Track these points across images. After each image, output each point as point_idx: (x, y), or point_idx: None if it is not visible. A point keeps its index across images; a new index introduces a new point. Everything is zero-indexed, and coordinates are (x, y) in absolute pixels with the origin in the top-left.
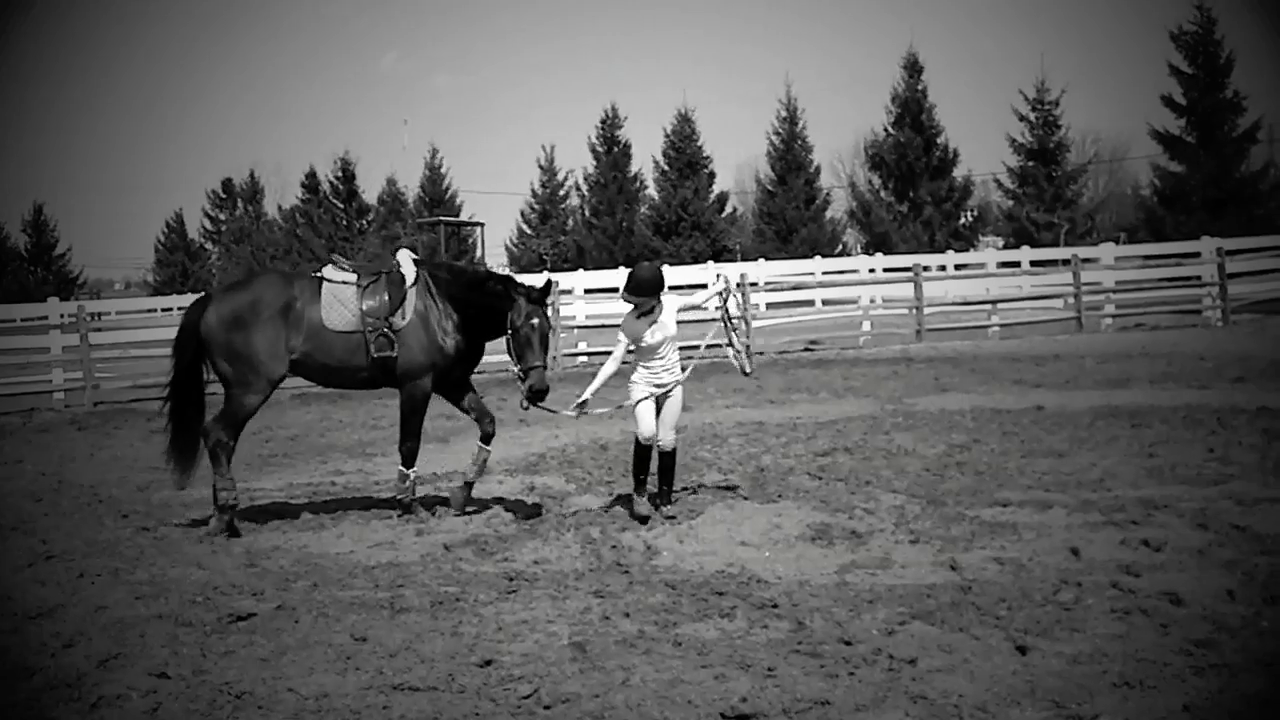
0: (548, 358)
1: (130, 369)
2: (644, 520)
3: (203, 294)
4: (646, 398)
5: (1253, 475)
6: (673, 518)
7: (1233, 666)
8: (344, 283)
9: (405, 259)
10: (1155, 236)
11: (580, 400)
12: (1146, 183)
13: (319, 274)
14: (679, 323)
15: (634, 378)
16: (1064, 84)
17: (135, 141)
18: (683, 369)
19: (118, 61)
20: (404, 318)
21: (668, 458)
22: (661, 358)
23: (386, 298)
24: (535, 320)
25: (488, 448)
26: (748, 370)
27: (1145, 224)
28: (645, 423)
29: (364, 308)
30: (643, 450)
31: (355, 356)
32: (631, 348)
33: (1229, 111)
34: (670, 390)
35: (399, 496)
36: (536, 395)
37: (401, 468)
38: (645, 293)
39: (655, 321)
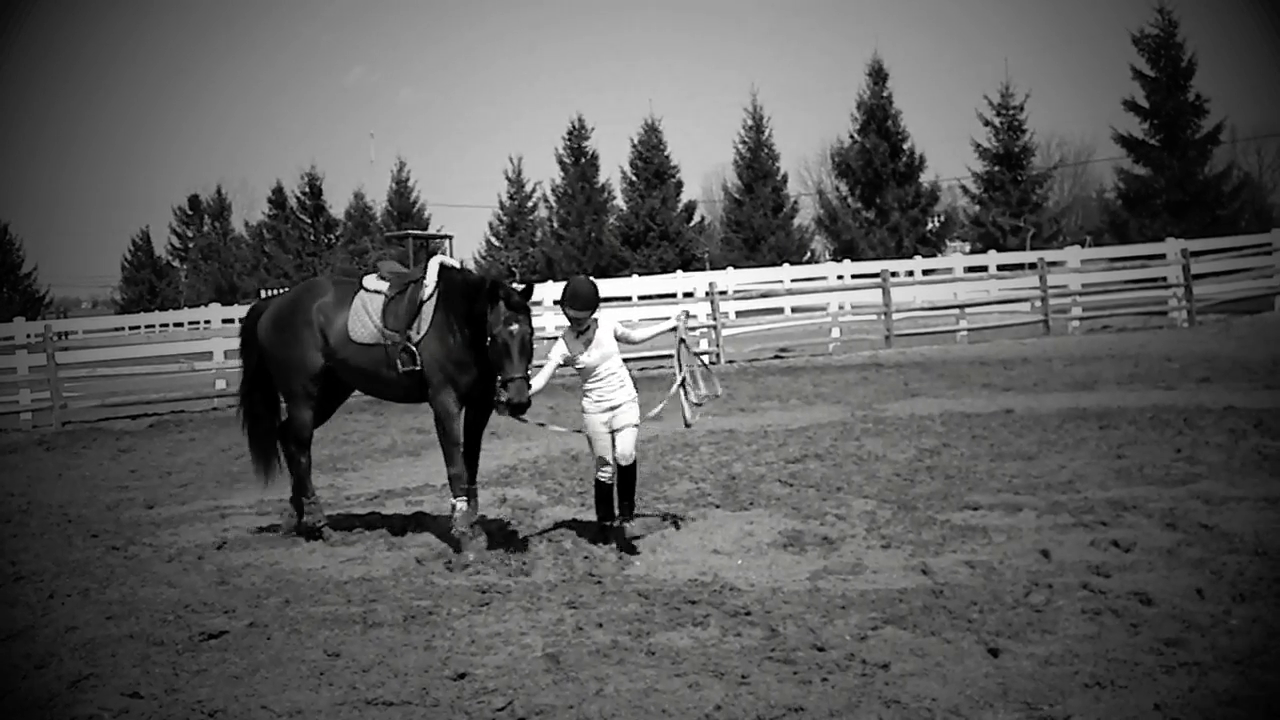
0: (528, 367)
1: (98, 388)
2: (631, 548)
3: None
4: (605, 431)
5: (1220, 474)
6: (637, 538)
7: (1203, 665)
8: (376, 293)
9: (431, 268)
10: (1120, 239)
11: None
12: (1111, 186)
13: (361, 282)
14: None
15: (585, 405)
16: (1028, 89)
17: (101, 159)
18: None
19: (81, 79)
20: (419, 331)
21: (627, 471)
22: (604, 377)
23: (405, 310)
24: (514, 327)
25: (473, 485)
26: (689, 420)
27: (1110, 227)
28: (606, 470)
29: (385, 320)
30: (604, 490)
31: (382, 369)
32: (571, 370)
33: (1191, 114)
34: (624, 406)
35: (452, 532)
36: (515, 409)
37: (451, 499)
38: (581, 306)
39: (592, 340)
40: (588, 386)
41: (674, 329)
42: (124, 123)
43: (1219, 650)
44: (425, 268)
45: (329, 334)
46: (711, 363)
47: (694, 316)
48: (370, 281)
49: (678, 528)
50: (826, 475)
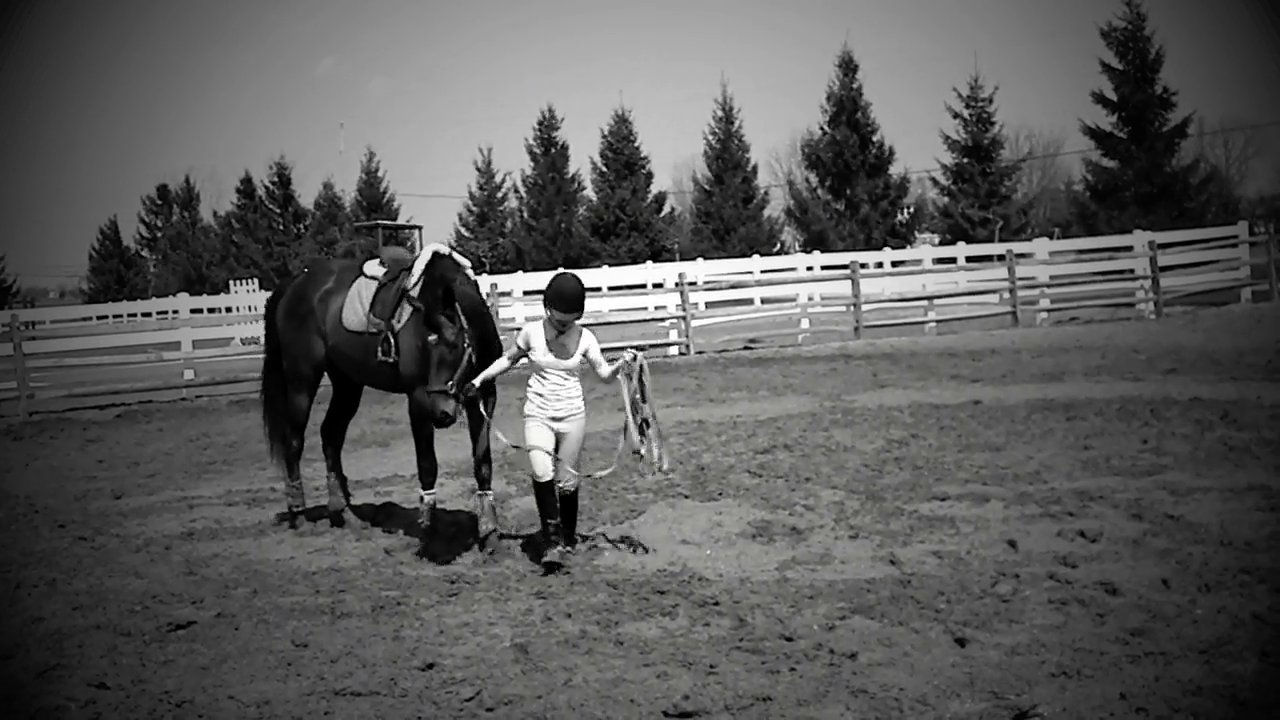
0: (449, 381)
1: (66, 378)
2: (551, 568)
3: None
4: (540, 435)
5: (1186, 465)
6: (559, 566)
7: (1168, 654)
8: (372, 279)
9: (423, 256)
10: (1088, 231)
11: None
12: (1079, 178)
13: (361, 268)
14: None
15: (527, 408)
16: (997, 81)
17: (70, 148)
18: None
19: (49, 69)
20: (399, 321)
21: (569, 499)
22: (552, 383)
23: (392, 298)
24: (431, 337)
25: (487, 491)
26: (665, 467)
27: (1078, 219)
28: (539, 462)
29: (373, 308)
30: (543, 489)
31: (369, 358)
32: (527, 357)
33: (1159, 107)
34: (568, 420)
35: (419, 522)
36: (434, 421)
37: (420, 491)
38: (566, 308)
39: (563, 346)
40: (534, 385)
41: (628, 365)
42: (92, 112)
43: (1184, 640)
44: (418, 255)
45: (326, 320)
46: (681, 353)
47: (643, 352)
48: (370, 268)
49: (644, 549)
50: (795, 466)
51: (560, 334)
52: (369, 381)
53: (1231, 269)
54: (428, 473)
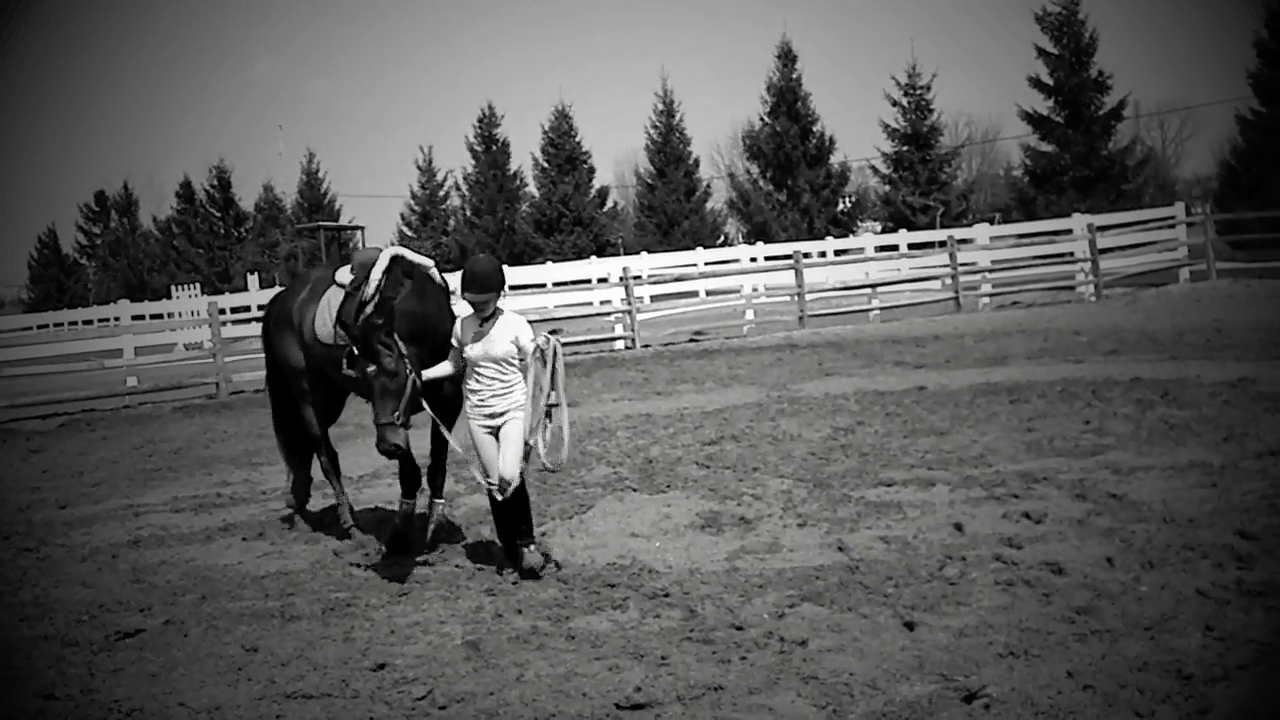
0: (396, 411)
1: (7, 388)
2: (530, 575)
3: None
4: (492, 450)
5: (1128, 445)
6: (542, 566)
7: (1114, 632)
8: (342, 287)
9: (380, 261)
10: (1028, 215)
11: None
12: (1018, 163)
13: (334, 275)
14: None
15: (466, 406)
16: (934, 68)
17: (3, 156)
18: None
19: None
20: None
21: (518, 496)
22: (485, 379)
23: (355, 307)
24: (370, 369)
25: (438, 500)
26: (548, 464)
27: (1018, 203)
28: (495, 479)
29: (339, 316)
30: (497, 505)
31: (340, 368)
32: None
33: (1095, 90)
34: (505, 417)
35: (395, 521)
36: (384, 454)
37: (401, 497)
38: (479, 289)
39: (487, 333)
40: (469, 384)
41: (540, 350)
42: (26, 118)
43: (1129, 617)
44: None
45: (304, 331)
46: (627, 347)
47: (559, 335)
48: (341, 275)
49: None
50: (743, 456)
51: (485, 320)
52: (348, 388)
53: (1169, 250)
54: (408, 476)
